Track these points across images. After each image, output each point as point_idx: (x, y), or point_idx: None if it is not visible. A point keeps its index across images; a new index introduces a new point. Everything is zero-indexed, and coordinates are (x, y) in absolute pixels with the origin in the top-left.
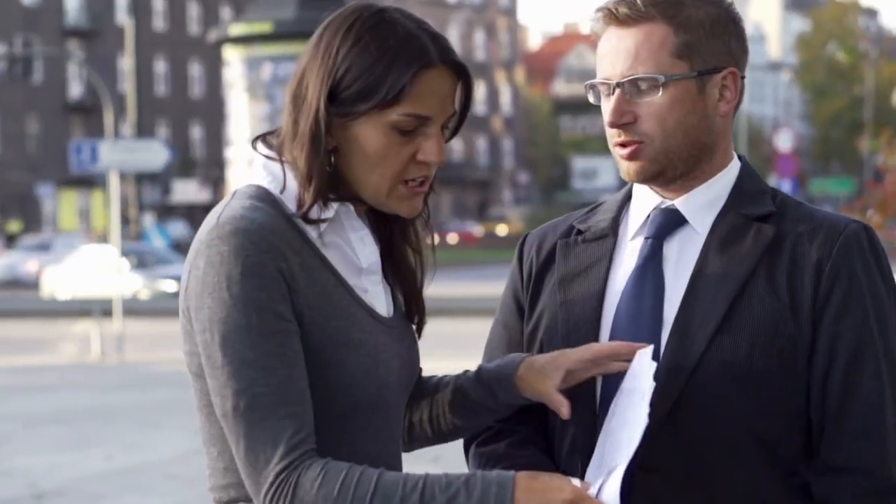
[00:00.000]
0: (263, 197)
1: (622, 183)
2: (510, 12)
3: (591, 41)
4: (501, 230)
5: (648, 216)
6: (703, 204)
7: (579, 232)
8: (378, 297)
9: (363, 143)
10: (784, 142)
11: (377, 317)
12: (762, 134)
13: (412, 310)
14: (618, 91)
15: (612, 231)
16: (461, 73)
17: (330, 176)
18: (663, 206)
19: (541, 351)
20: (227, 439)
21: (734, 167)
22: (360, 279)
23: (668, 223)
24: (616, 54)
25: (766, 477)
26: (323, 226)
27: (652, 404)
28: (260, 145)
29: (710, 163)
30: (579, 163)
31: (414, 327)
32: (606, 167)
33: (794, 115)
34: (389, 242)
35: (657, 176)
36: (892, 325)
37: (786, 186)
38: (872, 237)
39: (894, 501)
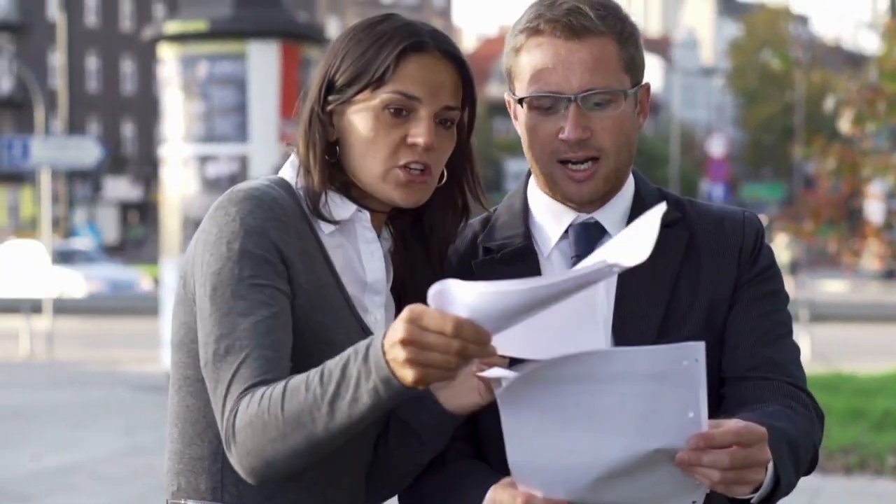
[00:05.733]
0: (282, 184)
1: None
2: (445, 13)
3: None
4: None
5: (566, 231)
6: (619, 214)
7: (488, 250)
8: (377, 320)
9: (357, 127)
10: (716, 147)
11: (368, 332)
12: (694, 139)
13: None
14: (573, 105)
15: (529, 248)
16: (459, 66)
17: (333, 167)
18: (580, 220)
19: None
20: (189, 420)
21: (631, 176)
22: (362, 294)
23: (591, 237)
24: (568, 67)
25: None
26: (332, 228)
27: None
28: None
29: (626, 175)
30: (512, 165)
31: None
32: None
33: (726, 121)
34: (411, 265)
35: (604, 196)
36: (783, 286)
37: (718, 191)
38: (762, 224)
39: (804, 395)
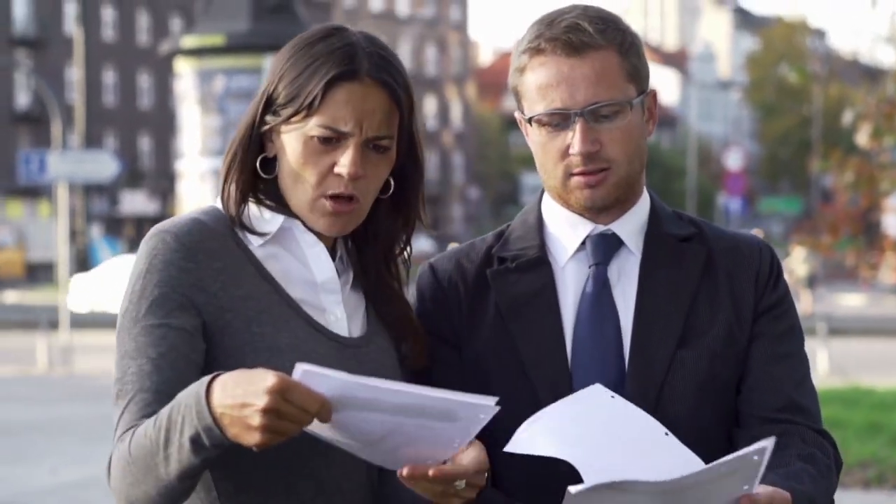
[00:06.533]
0: (210, 212)
1: None
2: (461, 27)
3: None
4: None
5: (583, 242)
6: (635, 227)
7: (503, 259)
8: (338, 318)
9: (288, 150)
10: (733, 160)
11: (324, 331)
12: (711, 152)
13: (399, 336)
14: (581, 120)
15: (544, 258)
16: (392, 93)
17: (270, 184)
18: (597, 231)
19: (489, 378)
20: None
21: (646, 190)
22: (316, 296)
23: (609, 248)
24: (571, 83)
25: None
26: (261, 241)
27: None
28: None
29: (638, 185)
30: (529, 179)
31: (400, 353)
32: None
33: (743, 134)
34: (376, 273)
35: (615, 202)
36: (798, 319)
37: (735, 205)
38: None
39: (827, 444)
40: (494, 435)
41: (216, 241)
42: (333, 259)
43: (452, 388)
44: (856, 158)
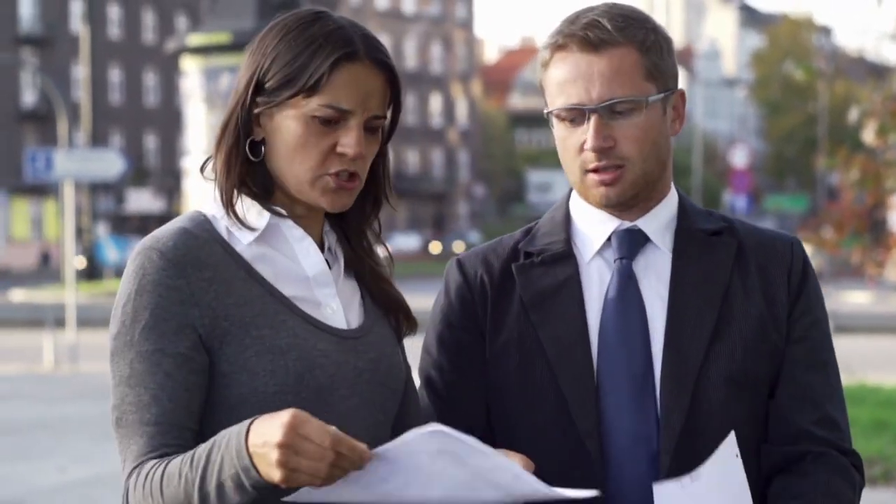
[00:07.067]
0: (194, 218)
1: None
2: (467, 25)
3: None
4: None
5: (609, 238)
6: (662, 223)
7: (529, 254)
8: (334, 310)
9: (285, 132)
10: (739, 158)
11: (322, 326)
12: (717, 149)
13: (394, 318)
14: (595, 116)
15: (570, 253)
16: (388, 74)
17: (256, 167)
18: (623, 227)
19: (513, 372)
20: None
21: (674, 189)
22: (310, 292)
23: (635, 243)
24: (588, 80)
25: (753, 483)
26: (251, 236)
27: (666, 417)
28: (208, 169)
29: (661, 182)
30: (534, 176)
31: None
32: (561, 180)
33: (749, 131)
34: (356, 256)
35: (632, 199)
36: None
37: (740, 202)
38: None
39: (854, 466)
40: (517, 433)
41: (202, 249)
42: (322, 252)
43: (475, 382)
44: (861, 156)
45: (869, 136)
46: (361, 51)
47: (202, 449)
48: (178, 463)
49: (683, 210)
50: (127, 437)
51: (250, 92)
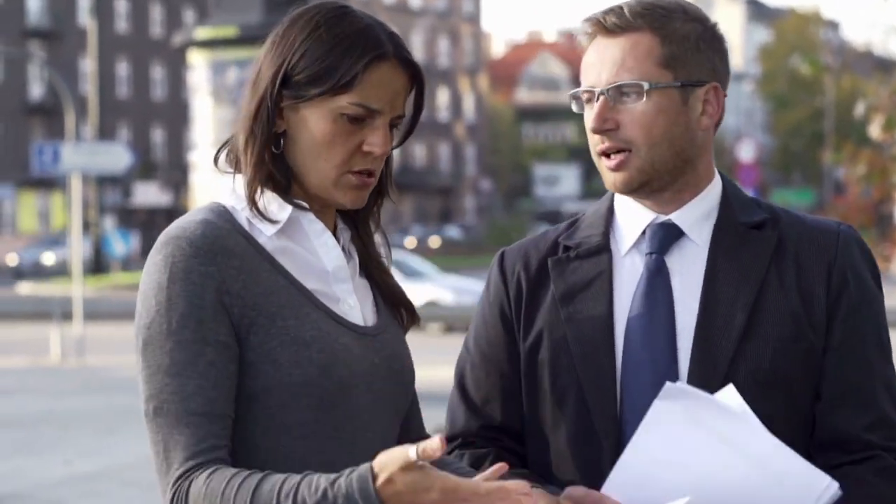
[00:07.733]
0: (215, 209)
1: (584, 191)
2: (474, 19)
3: (555, 49)
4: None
5: (644, 231)
6: (698, 217)
7: (567, 248)
8: (351, 306)
9: (312, 127)
10: (746, 152)
11: (342, 321)
12: (724, 144)
13: (398, 313)
14: (601, 98)
15: (606, 246)
16: (414, 73)
17: (277, 161)
18: (658, 220)
19: (542, 366)
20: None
21: (718, 180)
22: (329, 287)
23: (668, 237)
24: (602, 63)
25: None
26: (273, 229)
27: None
28: (222, 160)
29: (694, 175)
30: (541, 170)
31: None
32: (568, 175)
33: (755, 126)
34: (365, 251)
35: (642, 186)
36: (884, 318)
37: None
38: (861, 237)
39: None
40: (544, 429)
41: (229, 239)
42: None
43: (505, 380)
44: (868, 150)
45: (875, 130)
46: (391, 51)
47: (307, 491)
48: (276, 489)
49: (726, 201)
50: (169, 426)
51: (277, 85)
